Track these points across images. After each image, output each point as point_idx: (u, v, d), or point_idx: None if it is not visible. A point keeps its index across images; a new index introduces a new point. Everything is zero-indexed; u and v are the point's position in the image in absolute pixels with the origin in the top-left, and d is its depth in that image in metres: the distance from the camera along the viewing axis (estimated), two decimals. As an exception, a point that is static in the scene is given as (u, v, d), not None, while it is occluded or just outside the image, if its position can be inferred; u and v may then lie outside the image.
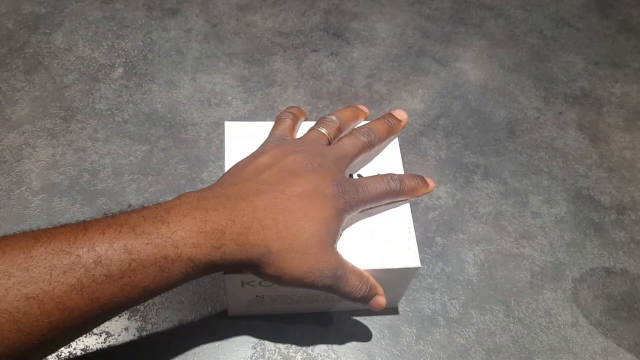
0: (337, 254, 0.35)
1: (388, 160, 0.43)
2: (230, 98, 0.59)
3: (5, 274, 0.27)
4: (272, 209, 0.34)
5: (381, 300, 0.37)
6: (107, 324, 0.43)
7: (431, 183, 0.41)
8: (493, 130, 0.59)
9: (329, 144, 0.40)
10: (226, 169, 0.41)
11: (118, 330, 0.43)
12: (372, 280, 0.37)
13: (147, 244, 0.30)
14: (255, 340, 0.43)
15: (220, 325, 0.44)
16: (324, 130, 0.40)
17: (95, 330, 0.43)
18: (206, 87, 0.59)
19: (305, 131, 0.42)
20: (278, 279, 0.34)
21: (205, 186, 0.51)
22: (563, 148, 0.59)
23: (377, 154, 0.44)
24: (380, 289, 0.38)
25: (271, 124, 0.44)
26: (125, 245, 0.30)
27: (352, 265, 0.36)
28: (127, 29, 0.64)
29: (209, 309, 0.45)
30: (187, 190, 0.51)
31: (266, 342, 0.43)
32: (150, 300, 0.44)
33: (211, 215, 0.32)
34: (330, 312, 0.45)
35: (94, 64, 0.60)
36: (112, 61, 0.60)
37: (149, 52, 0.62)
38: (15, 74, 0.58)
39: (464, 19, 0.70)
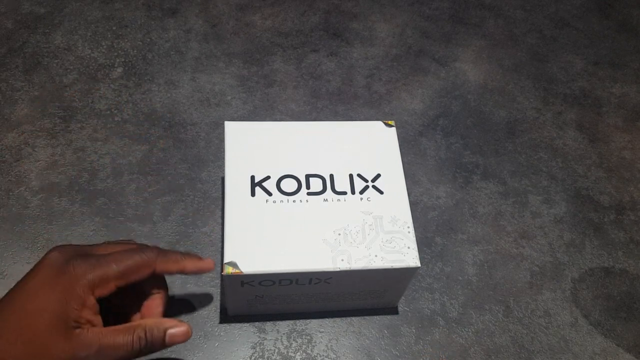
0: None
1: (388, 161, 0.43)
2: (229, 98, 0.59)
3: None
4: None
5: (177, 332, 0.36)
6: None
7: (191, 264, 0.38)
8: (492, 130, 0.59)
9: None
10: (226, 168, 0.41)
11: (117, 330, 0.43)
12: (150, 321, 0.35)
13: None
14: (255, 340, 0.43)
15: (220, 325, 0.44)
16: None
17: (94, 330, 0.43)
18: (206, 87, 0.59)
19: None
20: None
21: (204, 186, 0.51)
22: (562, 148, 0.59)
23: (376, 154, 0.44)
24: (170, 322, 0.36)
25: (271, 124, 0.45)
26: None
27: (113, 328, 0.34)
28: (127, 28, 0.64)
29: (209, 309, 0.45)
30: (186, 190, 0.51)
31: (266, 342, 0.43)
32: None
33: None
34: (330, 312, 0.45)
35: (94, 64, 0.60)
36: (112, 61, 0.60)
37: (148, 52, 0.62)
38: (15, 73, 0.58)
39: (463, 19, 0.70)
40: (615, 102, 0.63)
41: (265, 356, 0.43)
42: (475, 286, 0.48)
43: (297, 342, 0.44)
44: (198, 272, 0.38)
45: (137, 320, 0.38)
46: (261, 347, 0.43)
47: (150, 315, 0.37)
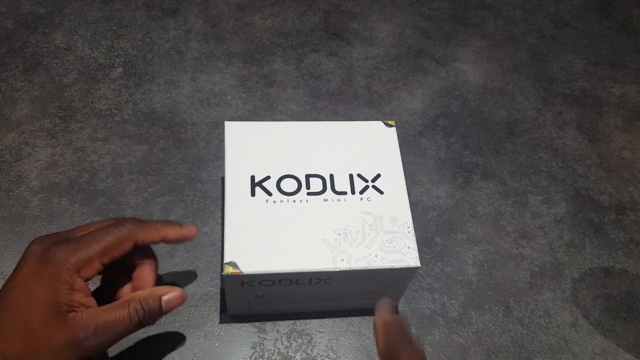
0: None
1: (388, 161, 0.43)
2: (229, 98, 0.59)
3: None
4: None
5: (171, 297, 0.36)
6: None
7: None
8: (492, 130, 0.59)
9: None
10: (226, 169, 0.41)
11: (117, 330, 0.43)
12: (142, 292, 0.36)
13: None
14: (255, 340, 0.43)
15: (220, 325, 0.44)
16: None
17: (94, 330, 0.43)
18: (206, 87, 0.59)
19: None
20: None
21: (204, 186, 0.51)
22: (562, 148, 0.59)
23: (376, 154, 0.44)
24: (163, 289, 0.36)
25: (271, 123, 0.45)
26: None
27: (107, 306, 0.34)
28: (127, 28, 0.64)
29: (209, 309, 0.45)
30: (186, 190, 0.51)
31: (265, 342, 0.43)
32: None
33: None
34: (330, 312, 0.45)
35: (94, 64, 0.60)
36: (112, 61, 0.60)
37: (148, 52, 0.62)
38: (15, 73, 0.58)
39: (463, 19, 0.70)
40: (615, 102, 0.63)
41: (265, 356, 0.43)
42: (475, 286, 0.48)
43: (297, 342, 0.44)
44: (181, 240, 0.39)
45: (130, 292, 0.38)
46: (261, 347, 0.43)
47: (143, 285, 0.37)
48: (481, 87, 0.63)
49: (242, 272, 0.37)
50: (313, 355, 0.43)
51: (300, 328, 0.44)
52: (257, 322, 0.44)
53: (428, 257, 0.49)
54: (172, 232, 0.38)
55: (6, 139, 0.53)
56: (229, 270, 0.37)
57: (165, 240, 0.38)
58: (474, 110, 0.61)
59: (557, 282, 0.49)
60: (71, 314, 0.32)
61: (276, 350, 0.43)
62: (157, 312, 0.35)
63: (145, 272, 0.38)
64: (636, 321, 0.47)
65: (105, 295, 0.37)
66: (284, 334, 0.44)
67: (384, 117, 0.58)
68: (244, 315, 0.44)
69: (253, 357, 0.43)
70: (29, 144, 0.53)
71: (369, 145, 0.44)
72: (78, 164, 0.52)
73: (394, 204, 0.41)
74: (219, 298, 0.45)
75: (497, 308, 0.47)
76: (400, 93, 0.61)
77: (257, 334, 0.44)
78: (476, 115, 0.60)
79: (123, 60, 0.61)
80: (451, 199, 0.53)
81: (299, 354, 0.43)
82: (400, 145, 0.44)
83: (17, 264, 0.34)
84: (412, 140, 0.57)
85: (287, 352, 0.43)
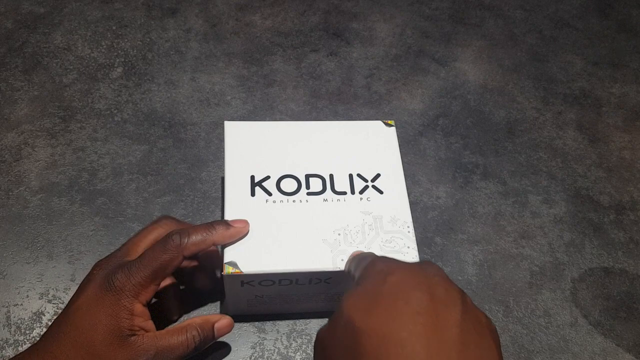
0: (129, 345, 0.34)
1: (387, 161, 0.43)
2: (229, 98, 0.59)
3: None
4: None
5: (222, 325, 0.38)
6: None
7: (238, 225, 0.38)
8: (492, 130, 0.59)
9: None
10: (226, 168, 0.41)
11: (117, 330, 0.43)
12: (198, 319, 0.37)
13: None
14: (255, 340, 0.43)
15: (219, 325, 0.44)
16: None
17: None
18: (205, 86, 0.59)
19: None
20: None
21: (203, 186, 0.51)
22: (562, 148, 0.59)
23: (375, 154, 0.44)
24: (215, 317, 0.38)
25: (271, 123, 0.45)
26: None
27: (165, 331, 0.36)
28: (127, 28, 0.64)
29: (209, 309, 0.45)
30: (186, 190, 0.51)
31: (265, 342, 0.43)
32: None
33: None
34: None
35: (93, 64, 0.60)
36: (112, 61, 0.60)
37: (148, 52, 0.62)
38: (15, 73, 0.58)
39: (463, 19, 0.70)
40: (615, 102, 0.63)
41: (265, 356, 0.43)
42: (475, 286, 0.48)
43: (297, 342, 0.44)
44: (230, 241, 0.38)
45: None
46: (261, 347, 0.43)
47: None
48: (481, 87, 0.63)
49: (242, 272, 0.37)
50: (313, 355, 0.43)
51: (300, 328, 0.44)
52: (257, 322, 0.44)
53: (428, 257, 0.49)
54: (219, 238, 0.37)
55: (6, 139, 0.53)
56: (229, 270, 0.37)
57: (215, 245, 0.38)
58: (474, 110, 0.61)
59: (557, 282, 0.49)
60: (132, 338, 0.34)
61: (276, 350, 0.43)
62: (210, 339, 0.37)
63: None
64: (636, 321, 0.47)
65: None
66: (284, 334, 0.44)
67: (383, 117, 0.58)
68: (244, 315, 0.44)
69: (253, 357, 0.43)
70: (28, 144, 0.53)
71: (368, 145, 0.44)
72: (78, 164, 0.52)
73: (394, 203, 0.41)
74: (218, 298, 0.45)
75: (497, 308, 0.47)
76: (400, 93, 0.61)
77: (257, 334, 0.44)
78: (476, 115, 0.60)
79: (123, 60, 0.61)
80: (451, 199, 0.53)
81: (299, 354, 0.43)
82: (400, 145, 0.44)
83: (80, 287, 0.36)
84: (412, 140, 0.57)
85: (287, 352, 0.43)
